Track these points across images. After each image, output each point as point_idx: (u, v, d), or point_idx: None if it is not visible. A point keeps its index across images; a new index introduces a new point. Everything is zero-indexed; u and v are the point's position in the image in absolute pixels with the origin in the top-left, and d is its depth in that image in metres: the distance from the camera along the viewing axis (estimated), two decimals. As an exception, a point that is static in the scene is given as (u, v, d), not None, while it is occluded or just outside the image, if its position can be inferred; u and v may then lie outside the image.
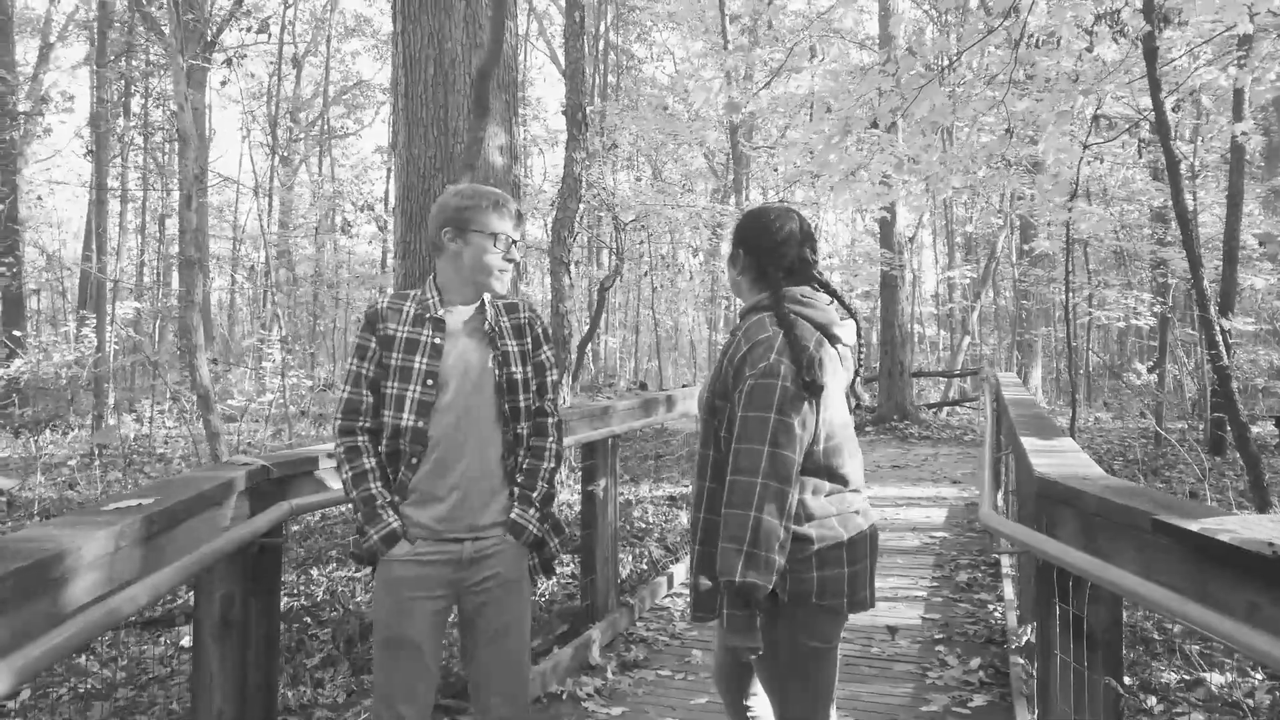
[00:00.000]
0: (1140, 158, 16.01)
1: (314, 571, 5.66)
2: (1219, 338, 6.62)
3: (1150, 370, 18.95)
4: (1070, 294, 10.39)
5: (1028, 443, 2.47)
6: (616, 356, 30.80)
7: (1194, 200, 13.43)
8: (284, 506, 2.17)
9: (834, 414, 1.90)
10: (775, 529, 1.76)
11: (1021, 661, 3.35)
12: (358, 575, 5.51)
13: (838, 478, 1.90)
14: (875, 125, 6.50)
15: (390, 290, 4.86)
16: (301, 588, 5.43)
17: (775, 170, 12.46)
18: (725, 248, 19.98)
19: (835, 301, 1.98)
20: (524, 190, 9.31)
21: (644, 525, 6.90)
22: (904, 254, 14.69)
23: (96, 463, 9.10)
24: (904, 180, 7.13)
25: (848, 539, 1.86)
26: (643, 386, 22.01)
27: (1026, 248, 21.09)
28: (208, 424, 4.59)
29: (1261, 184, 15.80)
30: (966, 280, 20.90)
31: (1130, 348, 25.05)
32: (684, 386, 20.58)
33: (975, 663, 3.83)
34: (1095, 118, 7.03)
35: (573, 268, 12.04)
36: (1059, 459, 2.13)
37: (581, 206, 10.05)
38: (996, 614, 4.59)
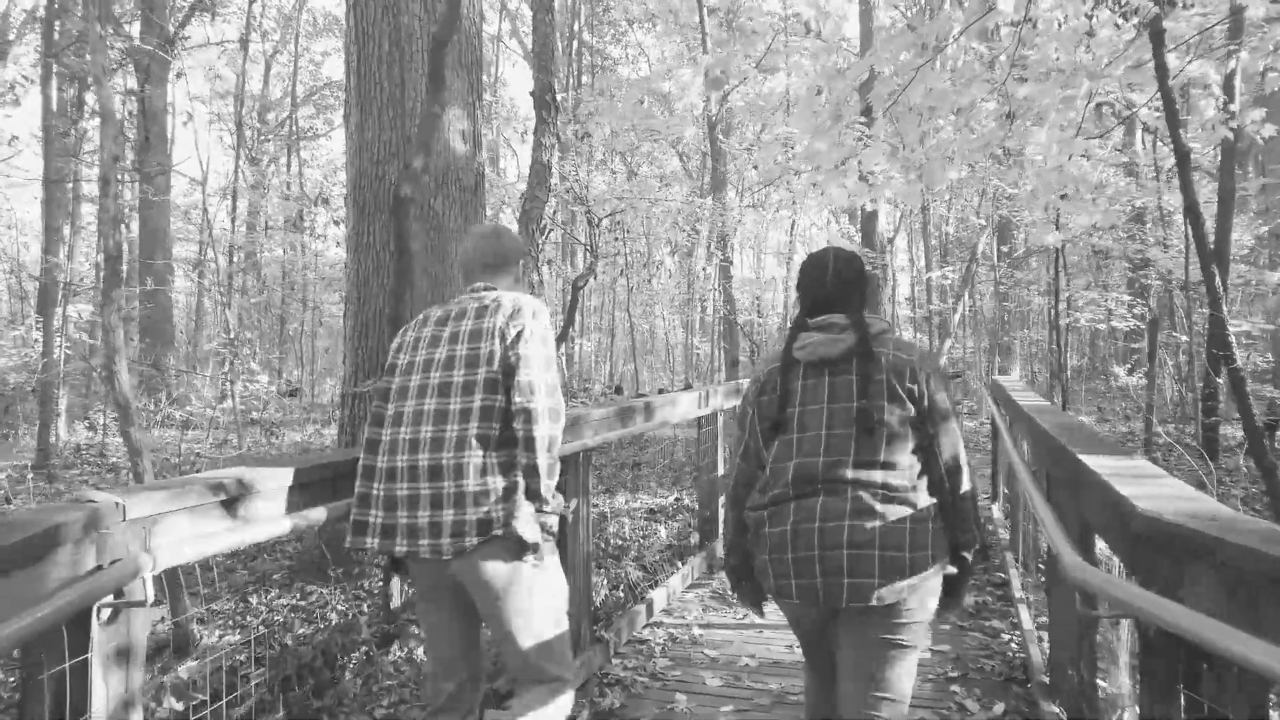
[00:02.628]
0: (1124, 153, 15.71)
1: (254, 599, 5.11)
2: (1231, 338, 6.22)
3: (1129, 373, 18.71)
4: (1057, 297, 10.04)
5: (1097, 464, 1.99)
6: (591, 360, 30.24)
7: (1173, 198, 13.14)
8: (135, 563, 1.64)
9: None
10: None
11: None
12: (302, 603, 4.96)
13: None
14: (869, 111, 6.05)
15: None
16: (238, 618, 4.88)
17: (754, 168, 12.03)
18: (701, 252, 19.60)
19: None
20: (490, 182, 8.78)
21: (620, 542, 6.40)
22: (886, 253, 14.31)
23: (30, 475, 8.45)
24: (887, 175, 6.68)
25: None
26: (618, 391, 21.47)
27: (1005, 249, 20.85)
28: (128, 438, 4.03)
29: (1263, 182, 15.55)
30: (947, 281, 20.58)
31: (1103, 350, 24.88)
32: (661, 392, 20.08)
33: (999, 709, 3.36)
34: (1098, 106, 6.62)
35: (544, 265, 11.47)
36: (1155, 488, 1.66)
37: (554, 200, 9.54)
38: (1013, 645, 4.13)
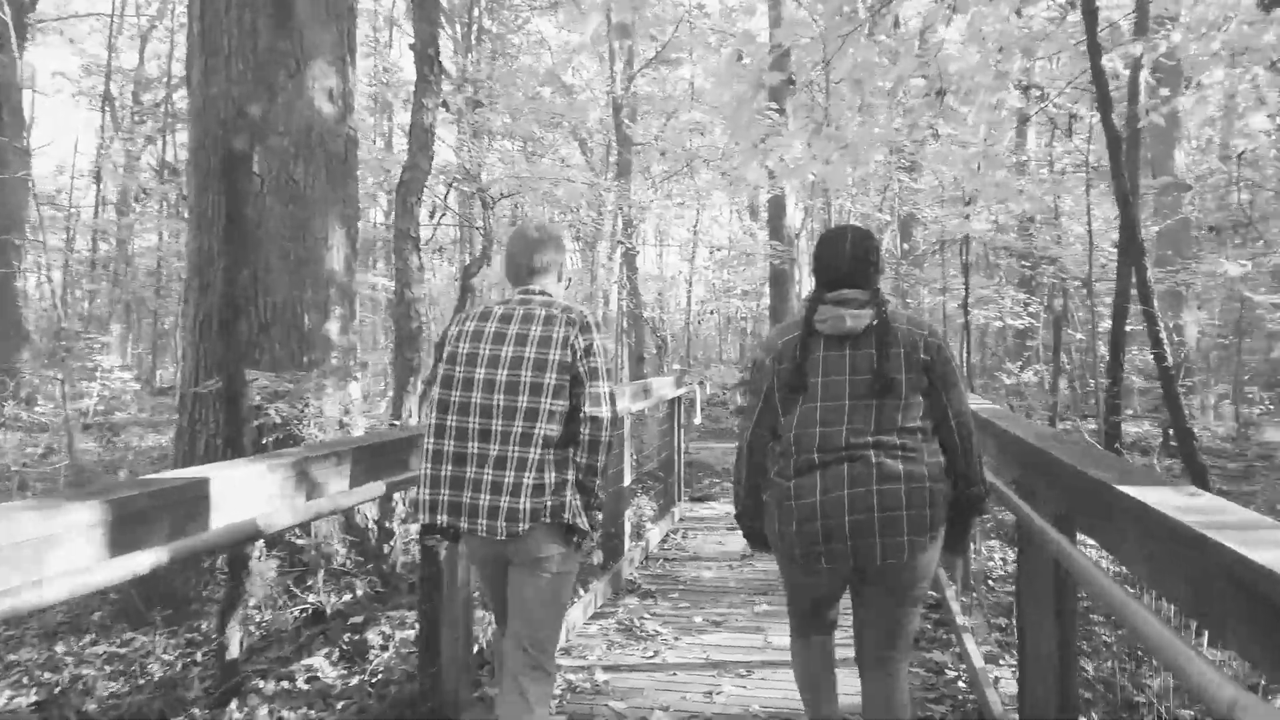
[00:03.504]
0: (1015, 154, 15.72)
1: (61, 647, 4.19)
2: (1163, 336, 5.93)
3: (1021, 369, 18.88)
4: (967, 293, 9.83)
5: (1166, 502, 1.41)
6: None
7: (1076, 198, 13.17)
8: None
9: None
10: None
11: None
12: (121, 652, 4.09)
13: None
14: (792, 82, 5.50)
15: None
16: (38, 672, 3.97)
17: (661, 154, 11.46)
18: (604, 245, 18.91)
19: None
20: (360, 149, 7.93)
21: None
22: (795, 247, 13.95)
23: None
24: (813, 155, 6.16)
25: None
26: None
27: (906, 246, 20.92)
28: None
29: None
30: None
31: (992, 347, 25.34)
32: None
33: (964, 776, 2.81)
34: (1025, 88, 6.27)
35: (435, 251, 10.61)
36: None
37: (440, 175, 8.72)
38: (962, 683, 3.61)
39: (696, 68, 22.83)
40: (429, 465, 2.40)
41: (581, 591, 4.81)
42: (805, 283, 23.56)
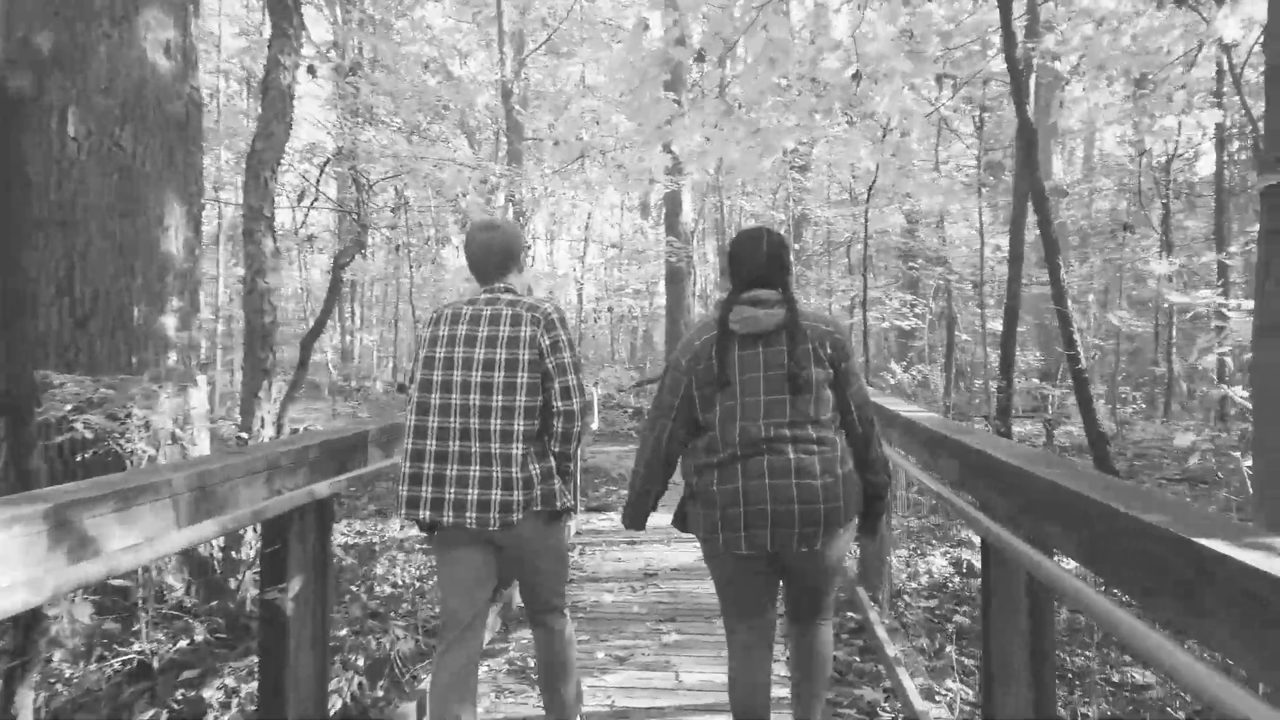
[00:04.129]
0: (896, 157, 15.86)
1: None
2: (1076, 338, 5.75)
3: (905, 369, 19.14)
4: (865, 295, 9.66)
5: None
6: (374, 355, 27.99)
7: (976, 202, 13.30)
8: None
9: None
10: None
11: None
12: None
13: None
14: (701, 58, 5.04)
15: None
16: None
17: (555, 145, 10.88)
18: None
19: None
20: (219, 120, 7.10)
21: (391, 590, 5.03)
22: (691, 244, 13.59)
23: None
24: (722, 137, 5.72)
25: None
26: (401, 389, 19.66)
27: (797, 246, 20.96)
28: None
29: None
30: (749, 277, 20.37)
31: (874, 347, 25.84)
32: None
33: None
34: (939, 78, 6.00)
35: (306, 240, 9.71)
36: None
37: (292, 143, 7.92)
38: (900, 726, 3.21)
39: (589, 66, 22.32)
40: (410, 464, 2.50)
41: (466, 626, 4.23)
42: (701, 280, 23.39)
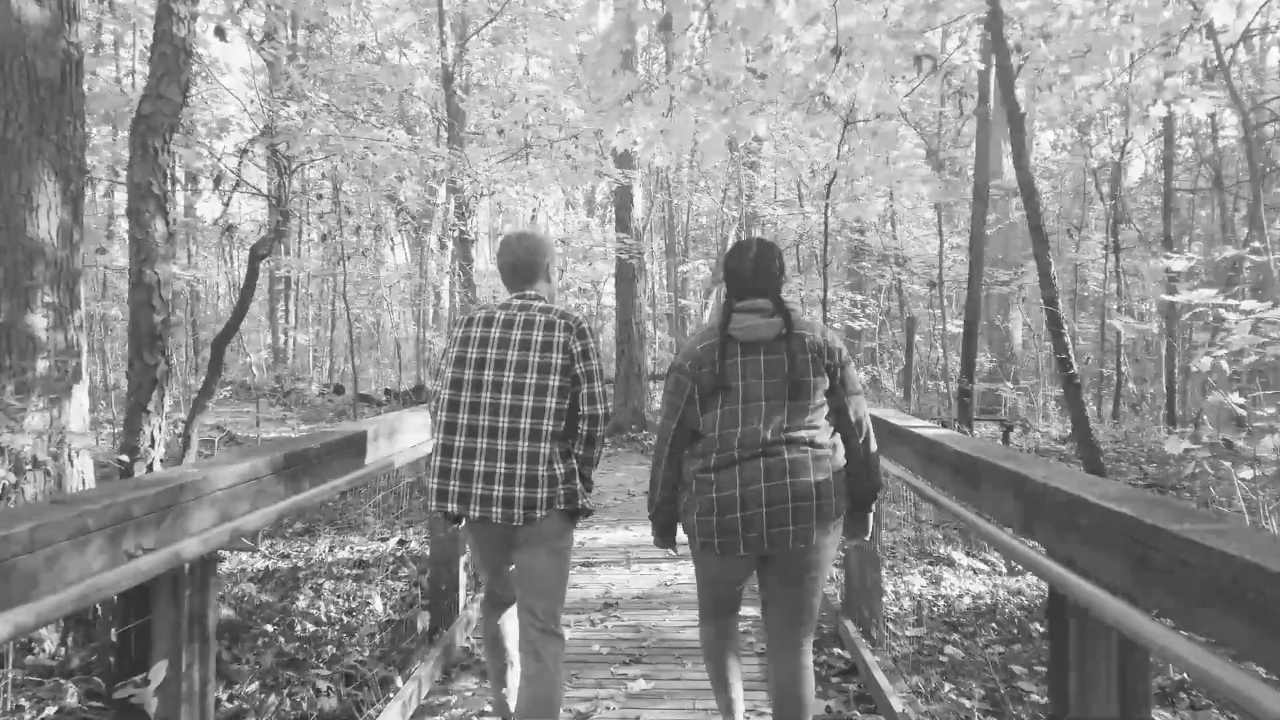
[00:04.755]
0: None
1: None
2: (1068, 340, 5.36)
3: (858, 370, 18.84)
4: (825, 294, 9.23)
5: None
6: (309, 355, 26.87)
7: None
8: None
9: None
10: None
11: None
12: None
13: None
14: (667, 26, 4.50)
15: None
16: None
17: (500, 134, 10.22)
18: (434, 240, 17.39)
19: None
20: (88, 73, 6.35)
21: (315, 629, 4.38)
22: (643, 240, 13.05)
23: None
24: (663, 125, 5.18)
25: None
26: (338, 391, 18.74)
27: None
28: None
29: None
30: (701, 275, 19.93)
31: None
32: (387, 398, 17.52)
33: None
34: (918, 59, 5.56)
35: (222, 230, 8.94)
36: None
37: (246, 158, 7.17)
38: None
39: (534, 60, 21.64)
40: (439, 458, 2.63)
41: (398, 679, 3.62)
42: (651, 281, 22.85)
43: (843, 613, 4.21)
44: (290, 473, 2.33)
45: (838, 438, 2.49)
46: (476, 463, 2.56)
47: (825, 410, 2.46)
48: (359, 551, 6.08)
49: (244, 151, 7.03)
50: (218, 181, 6.32)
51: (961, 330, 17.15)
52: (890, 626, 4.71)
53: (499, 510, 2.54)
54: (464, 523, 2.69)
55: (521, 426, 2.55)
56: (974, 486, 2.31)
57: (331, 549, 6.16)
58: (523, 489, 2.53)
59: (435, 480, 2.62)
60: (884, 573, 4.14)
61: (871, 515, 2.69)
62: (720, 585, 2.61)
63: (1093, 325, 18.16)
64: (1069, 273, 19.10)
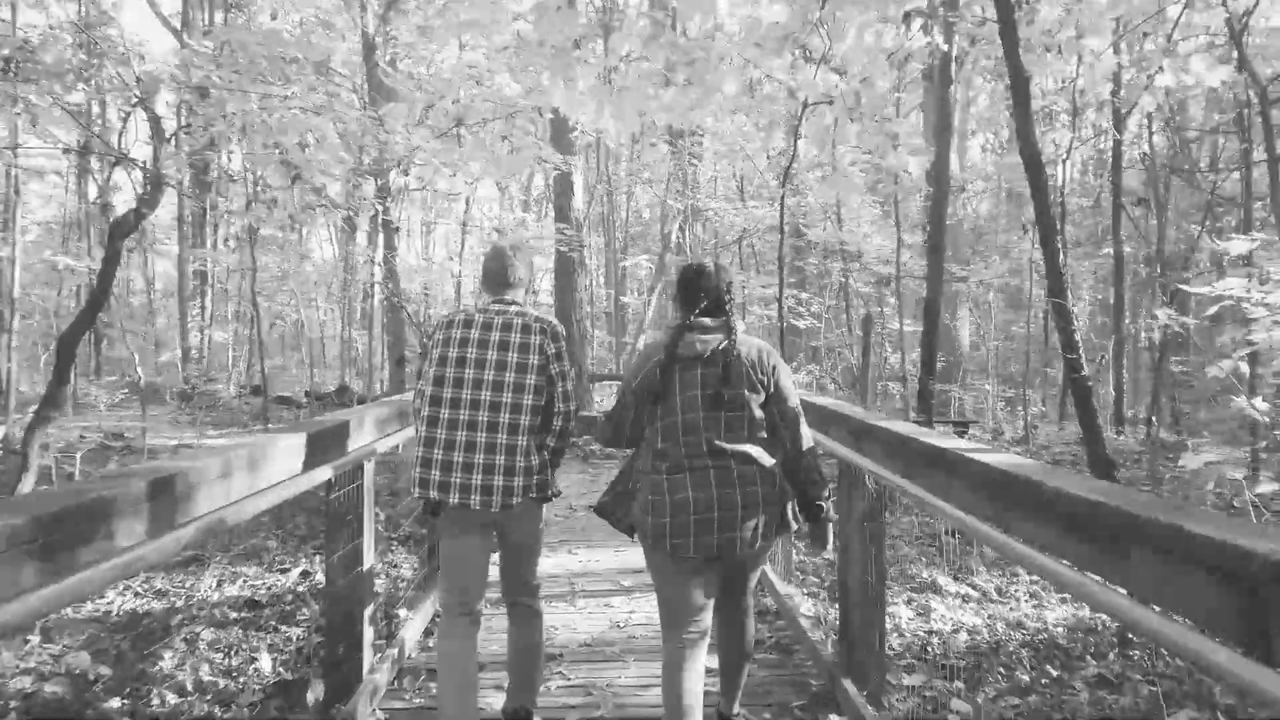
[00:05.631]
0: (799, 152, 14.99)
1: None
2: (1078, 338, 4.71)
3: (795, 369, 18.38)
4: (781, 290, 8.56)
5: None
6: (228, 354, 25.34)
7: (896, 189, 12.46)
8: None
9: None
10: None
11: None
12: None
13: None
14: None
15: None
16: None
17: (428, 109, 9.30)
18: (362, 237, 16.27)
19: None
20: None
21: (178, 702, 3.45)
22: (583, 231, 12.22)
23: None
24: (621, 82, 4.38)
25: None
26: (255, 392, 17.46)
27: (692, 237, 19.92)
28: None
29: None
30: (643, 272, 19.18)
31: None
32: (307, 400, 16.32)
33: None
34: (907, 15, 4.86)
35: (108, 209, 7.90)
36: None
37: (133, 117, 6.07)
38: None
39: (466, 49, 20.62)
40: (422, 449, 2.84)
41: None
42: (591, 277, 22.01)
43: (838, 668, 3.45)
44: (43, 545, 1.45)
45: (776, 445, 2.64)
46: (456, 454, 2.77)
47: (764, 419, 2.61)
48: (252, 587, 5.14)
49: (126, 116, 6.02)
50: (84, 150, 5.31)
51: (912, 329, 16.75)
52: (888, 679, 3.99)
53: (478, 498, 2.76)
54: (441, 512, 2.85)
55: (500, 421, 2.78)
56: (1007, 509, 1.58)
57: (219, 583, 5.20)
58: (501, 478, 2.76)
59: (418, 469, 2.83)
60: (884, 607, 3.38)
61: (831, 526, 2.76)
62: (673, 587, 2.64)
63: (1034, 325, 17.92)
64: (1013, 273, 18.86)
